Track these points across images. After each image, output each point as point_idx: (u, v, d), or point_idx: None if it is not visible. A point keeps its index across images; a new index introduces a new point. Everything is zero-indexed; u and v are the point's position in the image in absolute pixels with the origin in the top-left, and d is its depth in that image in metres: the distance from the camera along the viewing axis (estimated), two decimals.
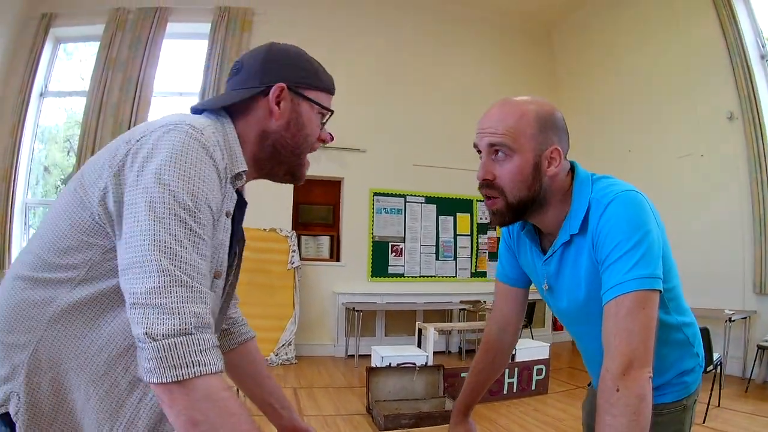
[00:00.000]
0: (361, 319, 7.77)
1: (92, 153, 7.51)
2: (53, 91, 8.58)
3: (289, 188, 8.48)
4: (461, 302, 8.98)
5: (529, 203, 1.37)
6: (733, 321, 6.28)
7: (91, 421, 1.11)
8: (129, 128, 7.45)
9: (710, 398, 5.18)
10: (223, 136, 1.21)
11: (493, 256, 9.84)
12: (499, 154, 1.35)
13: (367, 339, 8.29)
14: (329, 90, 1.41)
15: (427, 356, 6.08)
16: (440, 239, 9.52)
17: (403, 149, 9.29)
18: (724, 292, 7.00)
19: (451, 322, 8.85)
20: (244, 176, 1.28)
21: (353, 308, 7.89)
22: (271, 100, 1.28)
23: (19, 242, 8.02)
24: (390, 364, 5.65)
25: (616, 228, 1.26)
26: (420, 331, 6.81)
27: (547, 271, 1.49)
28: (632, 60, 8.96)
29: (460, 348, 8.85)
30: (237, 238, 1.39)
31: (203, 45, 8.37)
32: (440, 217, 9.50)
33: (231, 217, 1.23)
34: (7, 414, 1.08)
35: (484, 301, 9.24)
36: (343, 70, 8.80)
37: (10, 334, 1.10)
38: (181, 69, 8.88)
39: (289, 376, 6.92)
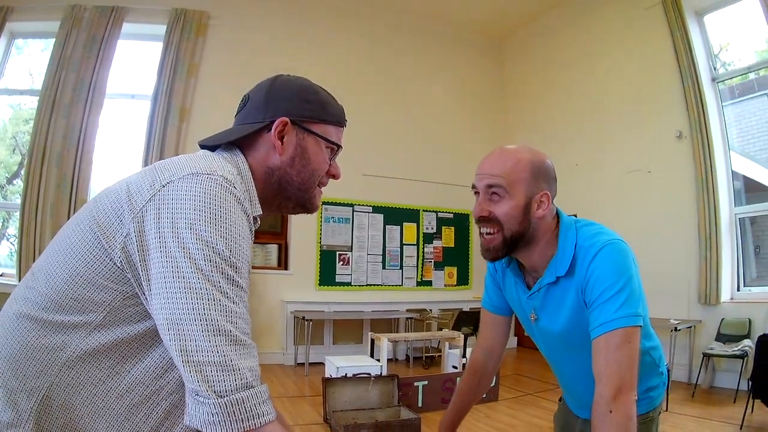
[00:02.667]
0: (310, 328, 8.02)
1: (43, 155, 7.79)
2: (3, 89, 8.73)
3: None
4: (407, 311, 9.35)
5: (520, 239, 1.60)
6: (679, 330, 6.80)
7: None
8: (81, 131, 7.65)
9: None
10: (242, 180, 1.23)
11: (438, 266, 10.30)
12: (495, 195, 1.59)
13: (316, 347, 8.57)
14: (338, 123, 1.43)
15: (381, 366, 6.43)
16: (387, 248, 9.88)
17: (352, 159, 9.51)
18: (670, 303, 7.50)
19: (397, 330, 9.26)
20: (259, 219, 1.34)
21: (302, 317, 8.13)
22: (273, 135, 1.29)
23: None
24: (346, 374, 5.90)
25: (604, 274, 1.51)
26: (372, 341, 7.17)
27: (532, 304, 1.74)
28: (582, 76, 9.43)
29: (407, 356, 9.21)
30: None
31: (157, 47, 8.55)
32: (387, 227, 9.86)
33: None
34: None
35: (430, 310, 9.66)
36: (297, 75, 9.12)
37: (15, 378, 1.08)
38: (135, 71, 9.00)
39: None
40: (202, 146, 1.36)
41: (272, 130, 1.28)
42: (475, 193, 1.66)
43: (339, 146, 1.41)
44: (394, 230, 9.97)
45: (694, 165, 7.45)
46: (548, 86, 10.36)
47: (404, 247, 10.05)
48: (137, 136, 8.55)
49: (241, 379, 0.99)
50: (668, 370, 5.39)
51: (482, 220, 1.61)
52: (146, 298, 1.07)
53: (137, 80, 8.95)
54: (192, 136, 8.43)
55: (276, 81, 1.36)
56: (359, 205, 9.61)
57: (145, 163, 8.19)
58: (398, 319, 9.40)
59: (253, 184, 1.27)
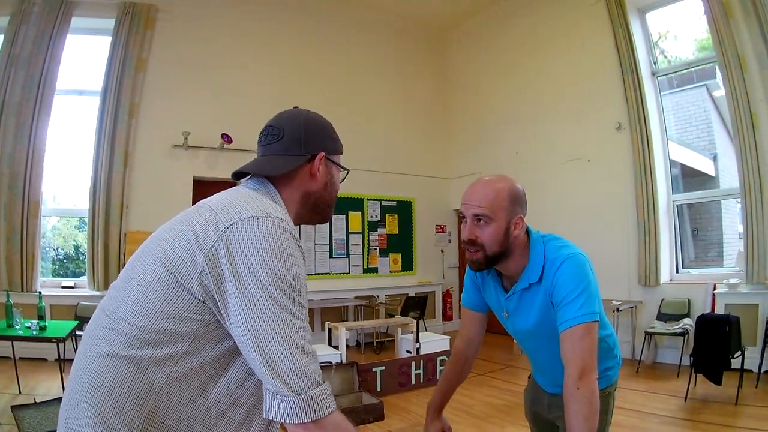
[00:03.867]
0: None
1: None
2: None
3: (188, 190, 8.99)
4: (356, 297, 9.83)
5: (499, 256, 1.99)
6: (621, 311, 7.41)
7: None
8: (31, 130, 7.73)
9: None
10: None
11: (383, 253, 10.83)
12: (481, 221, 1.94)
13: None
14: (342, 151, 1.75)
15: (341, 354, 6.82)
16: (333, 237, 10.25)
17: None
18: (612, 285, 8.08)
19: (347, 317, 9.80)
20: None
21: None
22: (315, 167, 1.60)
23: None
24: None
25: (567, 281, 1.90)
26: (330, 330, 7.56)
27: (508, 305, 2.13)
28: (523, 68, 9.92)
29: (357, 342, 9.69)
30: None
31: (106, 41, 8.56)
32: (333, 216, 10.15)
33: None
34: None
35: (377, 296, 10.19)
36: (242, 72, 9.42)
37: (114, 414, 1.24)
38: (83, 67, 8.94)
39: None
40: (236, 173, 1.65)
41: (315, 163, 1.59)
42: (462, 217, 2.02)
43: (347, 170, 1.78)
44: (339, 219, 10.39)
45: (633, 155, 7.98)
46: (490, 77, 10.83)
47: (350, 235, 10.47)
48: (87, 132, 8.55)
49: (312, 380, 1.26)
50: None
51: (469, 242, 1.98)
52: (227, 323, 1.29)
53: (86, 76, 8.90)
54: (142, 132, 8.55)
55: (308, 120, 1.64)
56: None
57: (97, 161, 8.31)
58: (347, 306, 9.85)
59: (286, 209, 1.52)
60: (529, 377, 2.52)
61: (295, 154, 1.57)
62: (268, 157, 1.60)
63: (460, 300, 2.42)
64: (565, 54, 9.15)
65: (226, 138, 8.96)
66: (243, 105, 9.42)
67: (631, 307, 7.76)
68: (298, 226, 1.57)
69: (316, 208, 1.66)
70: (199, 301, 1.28)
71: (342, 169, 1.74)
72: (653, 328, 7.25)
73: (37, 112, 8.01)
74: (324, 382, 1.30)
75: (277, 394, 1.23)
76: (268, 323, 1.23)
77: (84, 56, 8.96)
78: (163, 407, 1.28)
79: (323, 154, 1.61)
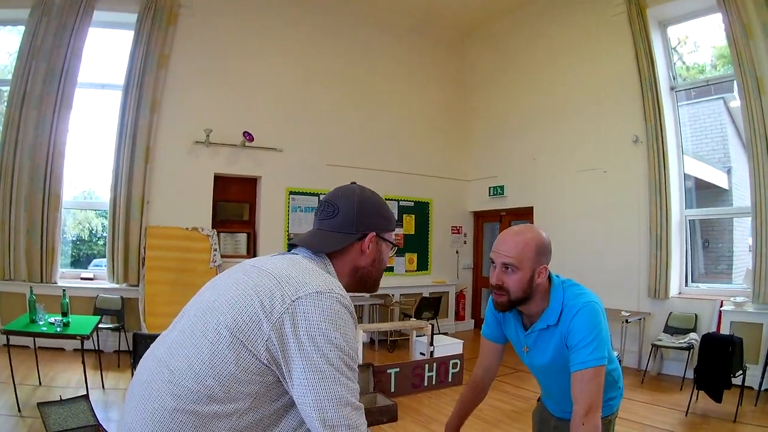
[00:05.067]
0: None
1: (15, 147, 8.02)
2: None
3: (208, 186, 9.22)
4: (371, 296, 9.96)
5: (522, 300, 2.23)
6: (629, 322, 7.66)
7: None
8: (52, 124, 8.02)
9: None
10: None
11: (400, 252, 11.04)
12: (509, 269, 2.17)
13: None
14: (395, 227, 1.91)
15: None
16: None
17: (319, 150, 10.19)
18: (622, 295, 8.37)
19: (361, 315, 10.09)
20: None
21: None
22: (365, 246, 1.77)
23: None
24: None
25: (582, 328, 2.13)
26: None
27: (527, 341, 2.37)
28: (544, 75, 10.06)
29: (372, 339, 9.94)
30: None
31: (128, 35, 8.73)
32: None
33: None
34: None
35: (392, 295, 10.46)
36: (263, 70, 9.61)
37: None
38: (105, 60, 9.12)
39: None
40: (291, 243, 1.82)
41: (365, 242, 1.76)
42: (492, 263, 2.26)
43: (397, 246, 2.00)
44: None
45: (648, 169, 8.16)
46: (509, 83, 10.97)
47: None
48: (109, 126, 8.76)
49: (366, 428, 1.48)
50: (619, 360, 6.14)
51: (496, 287, 2.23)
52: (288, 384, 1.45)
53: (108, 70, 9.09)
54: (163, 128, 8.78)
55: (362, 199, 1.79)
56: (324, 194, 9.96)
57: (118, 155, 8.52)
58: (363, 305, 10.11)
59: (338, 280, 1.67)
60: (538, 400, 2.79)
61: (348, 232, 1.74)
62: (323, 232, 1.76)
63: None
64: (584, 64, 9.28)
65: (248, 136, 9.16)
66: (264, 103, 9.67)
67: (640, 319, 8.00)
68: None
69: (362, 281, 1.82)
70: (263, 365, 1.44)
71: (392, 246, 1.88)
72: (660, 340, 7.51)
73: (58, 105, 8.19)
74: (368, 430, 1.52)
75: None
76: (327, 386, 1.42)
77: (106, 50, 9.13)
78: None
79: (374, 234, 1.78)
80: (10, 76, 8.26)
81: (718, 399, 5.80)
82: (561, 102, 9.72)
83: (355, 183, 1.91)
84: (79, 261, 9.64)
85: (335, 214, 1.76)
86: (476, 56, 11.94)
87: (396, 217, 10.86)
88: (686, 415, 5.99)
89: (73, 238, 9.71)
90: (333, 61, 10.48)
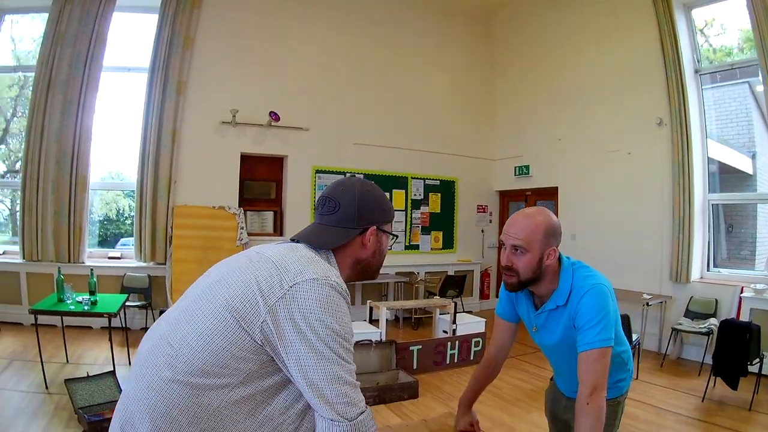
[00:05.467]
0: None
1: (41, 132, 8.21)
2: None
3: (235, 166, 9.36)
4: (397, 274, 10.20)
5: (532, 281, 2.29)
6: (650, 305, 7.63)
7: None
8: (79, 106, 8.18)
9: None
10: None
11: (425, 230, 11.17)
12: (518, 251, 2.24)
13: None
14: (392, 219, 1.96)
15: (381, 333, 7.22)
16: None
17: (345, 128, 10.27)
18: (644, 278, 8.42)
19: (387, 292, 10.28)
20: None
21: None
22: (366, 239, 1.84)
23: None
24: None
25: (589, 309, 2.17)
26: (371, 308, 7.95)
27: (537, 321, 2.44)
28: (568, 56, 9.99)
29: (396, 317, 10.13)
30: None
31: (152, 19, 8.84)
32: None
33: None
34: None
35: (417, 273, 10.57)
36: (288, 50, 9.68)
37: (171, 427, 1.52)
38: (130, 44, 9.26)
39: None
40: (294, 239, 1.86)
41: (366, 235, 1.83)
42: (502, 244, 2.32)
43: (396, 236, 2.01)
44: None
45: (672, 152, 8.11)
46: (534, 63, 10.90)
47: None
48: (135, 108, 8.93)
49: (360, 408, 1.54)
50: (639, 343, 6.16)
51: (506, 268, 2.29)
52: (284, 364, 1.55)
53: (133, 53, 9.23)
54: (190, 109, 8.94)
55: (362, 192, 1.85)
56: (350, 172, 10.19)
57: (145, 136, 8.71)
58: (388, 282, 10.25)
59: (339, 271, 1.75)
60: (551, 379, 2.88)
61: (349, 227, 1.81)
62: (323, 227, 1.83)
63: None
64: (609, 45, 9.21)
65: (274, 116, 9.27)
66: (290, 83, 9.75)
67: (661, 302, 8.07)
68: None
69: (364, 271, 1.91)
70: (258, 345, 1.53)
71: (391, 237, 1.96)
72: (680, 324, 7.53)
73: (84, 89, 8.37)
74: (367, 407, 1.59)
75: (332, 420, 1.51)
76: (324, 366, 1.51)
77: (131, 34, 9.26)
78: (214, 426, 1.54)
79: (374, 228, 1.85)
80: (35, 62, 8.40)
81: (734, 386, 5.82)
82: (586, 82, 9.66)
83: (354, 176, 2.09)
84: (107, 241, 9.89)
85: (336, 210, 1.82)
86: (502, 36, 11.87)
87: (422, 196, 11.51)
88: (702, 401, 6.00)
89: (101, 219, 9.95)
90: (358, 40, 10.51)
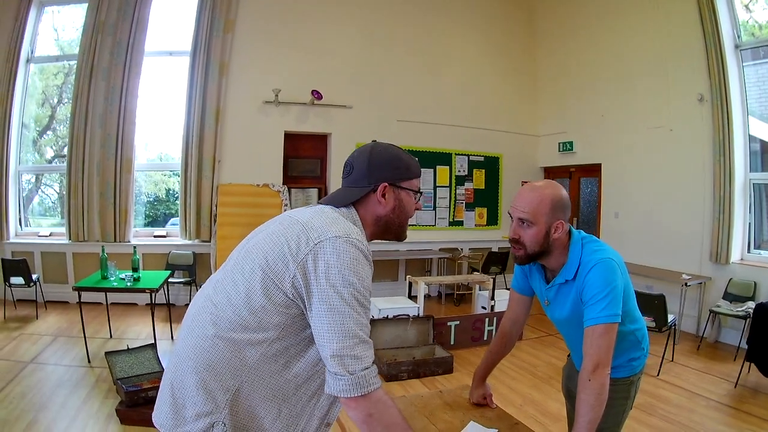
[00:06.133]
0: None
1: (85, 119, 8.53)
2: (40, 56, 9.25)
3: (279, 144, 9.53)
4: (440, 250, 10.28)
5: (540, 254, 2.29)
6: (689, 285, 7.52)
7: (279, 426, 1.75)
8: (122, 92, 8.46)
9: (664, 353, 6.42)
10: (359, 230, 1.83)
11: (469, 206, 11.20)
12: (524, 224, 2.24)
13: None
14: (417, 175, 2.01)
15: (418, 308, 7.30)
16: (421, 190, 10.40)
17: (388, 105, 10.28)
18: (683, 258, 8.28)
19: (430, 268, 10.38)
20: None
21: None
22: (378, 195, 1.90)
23: (15, 210, 8.93)
24: (387, 315, 6.73)
25: (595, 284, 2.16)
26: (410, 284, 8.06)
27: (548, 294, 2.45)
28: (609, 31, 9.79)
29: (439, 293, 10.27)
30: None
31: (193, 3, 8.98)
32: (421, 169, 10.34)
33: None
34: None
35: (461, 249, 10.65)
36: (329, 29, 9.77)
37: (215, 381, 1.66)
38: (171, 28, 9.42)
39: None
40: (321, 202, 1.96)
41: (377, 192, 1.90)
42: (510, 216, 2.34)
43: (420, 192, 2.03)
44: (427, 173, 10.82)
45: (713, 129, 7.91)
46: (576, 38, 10.70)
47: (437, 188, 10.89)
48: (178, 91, 9.14)
49: (364, 364, 1.59)
50: (675, 324, 6.08)
51: (513, 241, 2.31)
52: (308, 316, 1.64)
53: (174, 37, 9.39)
54: (232, 89, 9.13)
55: (373, 152, 1.94)
56: None
57: (189, 117, 8.93)
58: (431, 258, 10.37)
59: (363, 229, 1.89)
60: (568, 356, 2.88)
61: (361, 186, 1.91)
62: (343, 189, 1.96)
63: None
64: (649, 19, 8.97)
65: (316, 94, 9.37)
66: (332, 62, 9.81)
67: (700, 283, 7.93)
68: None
69: (387, 228, 1.96)
70: (289, 299, 1.64)
71: (414, 193, 1.99)
72: (718, 306, 7.34)
73: (127, 75, 8.63)
74: (373, 364, 1.64)
75: (336, 374, 1.58)
76: (337, 319, 1.58)
77: (172, 18, 9.41)
78: (253, 378, 1.68)
79: (385, 184, 1.90)
80: (77, 51, 8.66)
81: (766, 372, 5.64)
82: (627, 58, 9.45)
83: (374, 141, 2.13)
84: (157, 220, 10.18)
85: (351, 172, 1.95)
86: (545, 10, 11.65)
87: (466, 172, 11.39)
88: (735, 386, 5.89)
89: (151, 199, 10.25)
90: (399, 17, 10.44)
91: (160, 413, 1.76)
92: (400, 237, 2.03)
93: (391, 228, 1.97)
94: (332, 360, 1.59)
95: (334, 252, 1.63)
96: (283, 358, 1.71)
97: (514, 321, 2.72)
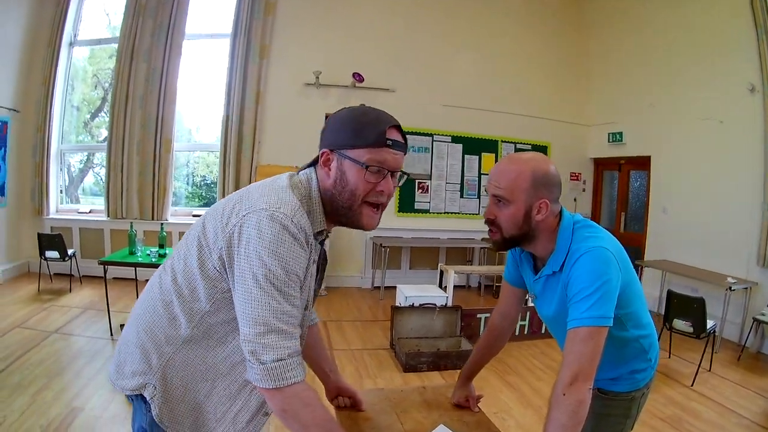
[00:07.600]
0: (387, 254, 8.99)
1: (126, 100, 8.69)
2: (83, 39, 9.42)
3: (319, 126, 9.13)
4: (482, 239, 9.98)
5: (519, 239, 1.95)
6: (733, 290, 6.96)
7: (213, 403, 1.71)
8: (162, 74, 8.62)
9: (701, 362, 5.90)
10: (308, 204, 1.64)
11: None
12: (500, 202, 1.89)
13: (393, 271, 9.65)
14: (373, 144, 1.59)
15: (447, 297, 7.04)
16: (465, 177, 10.39)
17: (432, 90, 10.10)
18: (729, 260, 7.68)
19: (471, 257, 10.14)
20: (325, 232, 1.71)
21: (380, 244, 9.04)
22: (319, 164, 1.67)
23: (56, 188, 9.16)
24: (413, 304, 6.59)
25: (581, 277, 1.78)
26: (441, 272, 7.86)
27: (535, 287, 2.12)
28: (659, 19, 9.35)
29: (479, 283, 10.07)
30: (322, 266, 1.85)
31: None
32: (466, 156, 10.34)
33: (316, 263, 1.73)
34: (142, 396, 1.66)
35: None
36: (371, 11, 9.70)
37: (152, 344, 1.65)
38: (211, 11, 9.48)
39: (319, 309, 7.79)
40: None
41: (321, 160, 1.66)
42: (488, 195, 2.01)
43: (366, 165, 1.58)
44: (472, 160, 10.52)
45: (765, 121, 7.43)
46: (625, 25, 10.29)
47: (482, 176, 10.61)
48: (218, 74, 9.20)
49: (277, 355, 1.46)
50: (714, 331, 5.67)
51: (488, 222, 1.97)
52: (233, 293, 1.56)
53: (214, 20, 9.44)
54: (273, 72, 9.15)
55: (335, 115, 1.71)
56: (439, 134, 10.11)
57: (229, 99, 8.97)
58: (473, 248, 10.12)
59: (320, 204, 1.66)
60: None
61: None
62: None
63: None
64: (699, 7, 8.57)
65: (358, 77, 9.28)
66: (374, 45, 9.72)
67: (746, 288, 7.23)
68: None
69: (334, 209, 1.67)
70: (218, 272, 1.56)
71: (362, 165, 1.59)
72: (763, 315, 6.74)
73: (167, 57, 8.74)
74: (291, 356, 1.50)
75: (249, 361, 1.49)
76: (248, 301, 1.47)
77: (212, 1, 9.47)
78: (187, 349, 1.64)
79: (326, 150, 1.64)
80: (118, 34, 8.80)
81: None
82: (676, 47, 9.04)
83: (362, 105, 1.86)
84: (205, 199, 10.31)
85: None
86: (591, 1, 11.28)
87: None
88: None
89: (208, 182, 10.41)
90: (443, 3, 10.14)
91: (111, 365, 1.80)
92: (351, 222, 1.69)
93: (336, 206, 1.65)
94: (244, 345, 1.50)
95: (255, 227, 1.48)
96: (217, 333, 1.65)
97: (504, 314, 2.38)
